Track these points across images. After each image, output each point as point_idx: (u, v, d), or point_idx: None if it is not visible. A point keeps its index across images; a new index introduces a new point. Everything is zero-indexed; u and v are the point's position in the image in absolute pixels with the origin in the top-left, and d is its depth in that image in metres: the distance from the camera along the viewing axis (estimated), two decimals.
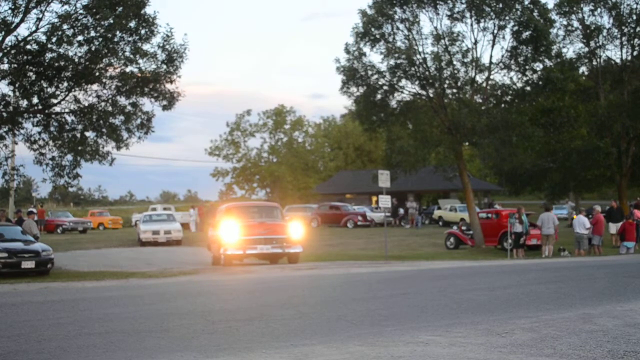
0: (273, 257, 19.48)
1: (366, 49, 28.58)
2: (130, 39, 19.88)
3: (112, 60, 20.05)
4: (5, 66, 19.49)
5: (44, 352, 6.09)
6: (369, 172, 47.88)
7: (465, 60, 28.14)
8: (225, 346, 6.22)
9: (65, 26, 18.88)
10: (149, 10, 19.84)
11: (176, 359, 5.77)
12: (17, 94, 19.92)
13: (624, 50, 34.80)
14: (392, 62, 28.20)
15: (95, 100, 20.53)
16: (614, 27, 34.34)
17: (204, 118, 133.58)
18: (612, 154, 33.41)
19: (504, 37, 28.12)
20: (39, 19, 18.92)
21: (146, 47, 20.18)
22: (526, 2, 28.00)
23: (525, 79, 29.04)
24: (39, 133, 20.53)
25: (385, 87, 29.04)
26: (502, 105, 29.24)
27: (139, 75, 20.41)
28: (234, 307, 9.27)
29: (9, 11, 18.62)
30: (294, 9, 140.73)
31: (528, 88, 29.14)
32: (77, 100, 20.43)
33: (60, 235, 38.88)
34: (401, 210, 43.21)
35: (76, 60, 19.39)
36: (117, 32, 19.36)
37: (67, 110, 20.60)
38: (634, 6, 33.78)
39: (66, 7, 19.03)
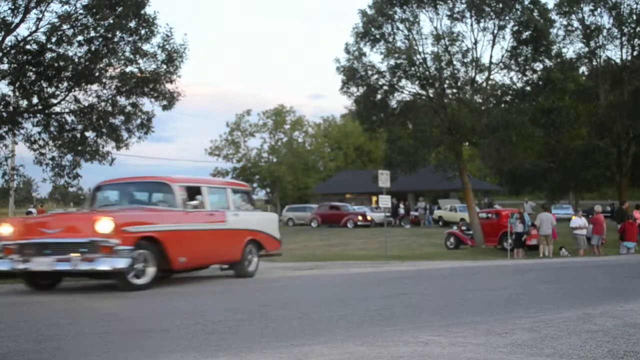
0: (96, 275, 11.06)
1: (366, 49, 28.68)
2: (130, 39, 19.88)
3: (112, 60, 20.05)
4: (5, 66, 19.49)
5: (44, 352, 6.08)
6: (369, 172, 47.88)
7: (465, 60, 28.18)
8: (225, 346, 6.21)
9: (65, 26, 18.88)
10: (149, 10, 19.86)
11: (176, 359, 5.76)
12: (17, 94, 19.93)
13: (624, 51, 34.86)
14: (392, 62, 28.27)
15: (95, 100, 20.54)
16: (614, 27, 34.36)
17: (204, 118, 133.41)
18: (612, 154, 33.42)
19: (504, 37, 28.19)
20: (39, 19, 18.92)
21: (146, 47, 20.20)
22: (526, 2, 28.03)
23: (525, 79, 29.11)
24: (39, 133, 20.54)
25: (385, 87, 29.07)
26: (502, 105, 29.27)
27: (139, 75, 20.41)
28: (234, 307, 9.25)
29: (9, 11, 18.63)
30: (294, 9, 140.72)
31: (528, 88, 29.18)
32: (77, 100, 20.44)
33: None
34: (401, 210, 43.16)
35: (76, 60, 19.40)
36: (117, 32, 19.36)
37: (67, 110, 20.61)
38: (634, 6, 33.83)
39: (66, 7, 19.04)
